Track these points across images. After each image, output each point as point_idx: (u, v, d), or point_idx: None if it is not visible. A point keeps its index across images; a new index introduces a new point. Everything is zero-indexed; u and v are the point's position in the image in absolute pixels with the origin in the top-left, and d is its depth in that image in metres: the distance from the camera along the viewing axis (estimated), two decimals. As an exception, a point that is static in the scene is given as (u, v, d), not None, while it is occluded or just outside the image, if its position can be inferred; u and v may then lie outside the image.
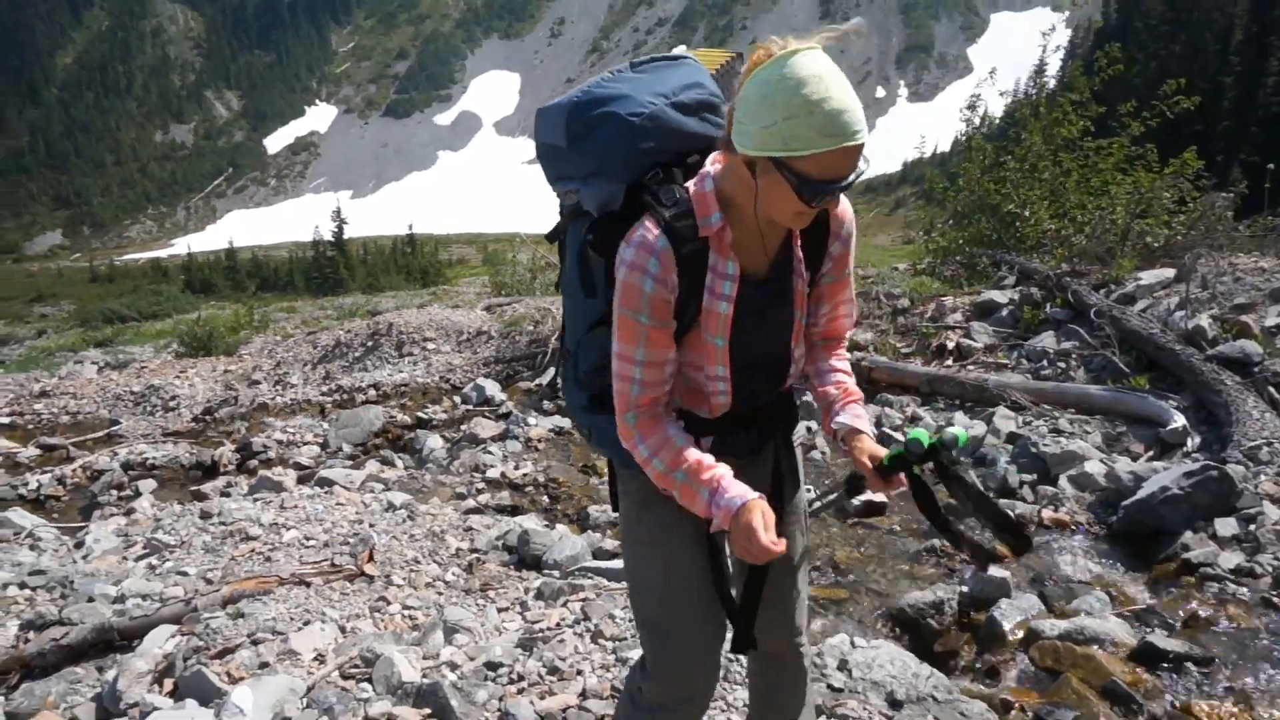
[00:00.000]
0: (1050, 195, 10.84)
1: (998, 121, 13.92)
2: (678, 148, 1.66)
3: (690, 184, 1.60)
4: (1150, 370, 6.08)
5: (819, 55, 1.44)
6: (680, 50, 1.93)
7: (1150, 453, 5.20)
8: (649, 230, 1.57)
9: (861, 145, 1.43)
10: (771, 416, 1.84)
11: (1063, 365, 6.65)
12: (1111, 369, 6.25)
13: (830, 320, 1.85)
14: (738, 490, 1.57)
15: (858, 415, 1.77)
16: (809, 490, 1.96)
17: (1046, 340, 7.11)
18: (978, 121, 13.28)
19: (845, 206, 1.72)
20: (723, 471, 1.60)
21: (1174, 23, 39.77)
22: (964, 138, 14.46)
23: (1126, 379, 5.99)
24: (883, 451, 1.67)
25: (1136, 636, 3.32)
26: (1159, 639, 3.23)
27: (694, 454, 1.62)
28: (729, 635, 1.80)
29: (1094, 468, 4.91)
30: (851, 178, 1.46)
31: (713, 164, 1.63)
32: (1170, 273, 7.60)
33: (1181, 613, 3.52)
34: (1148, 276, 7.63)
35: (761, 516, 1.53)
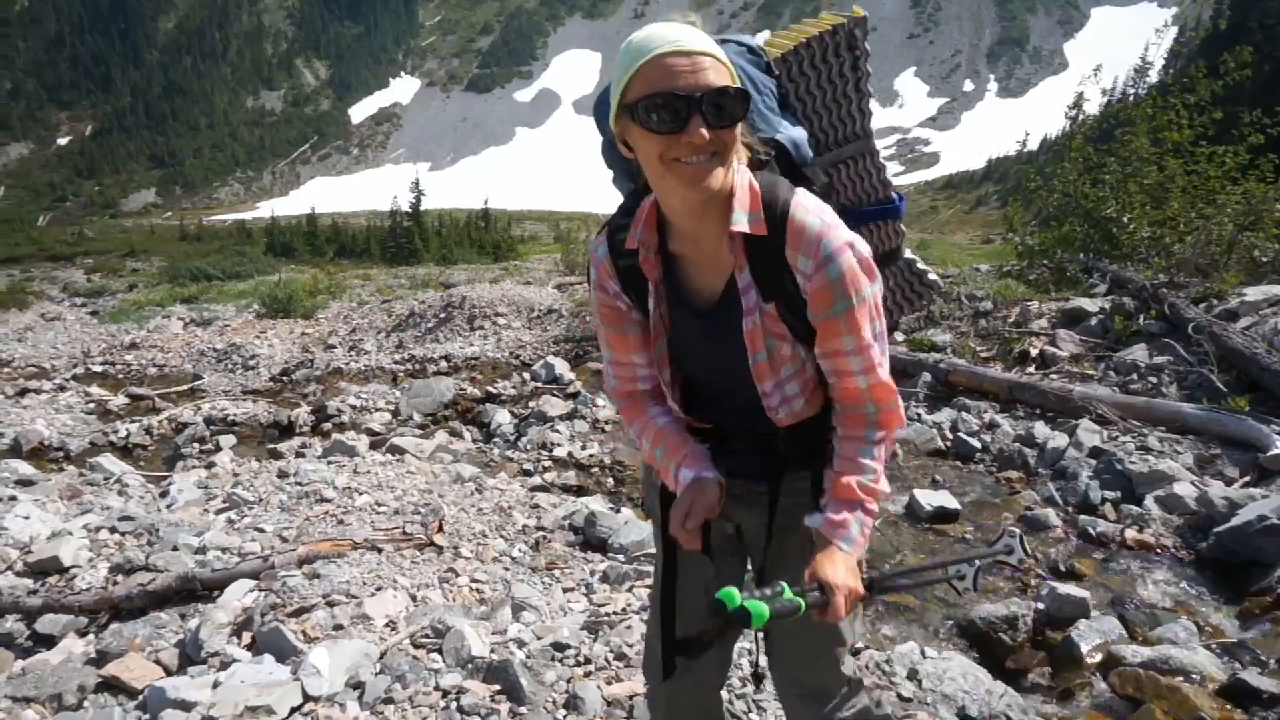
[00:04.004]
0: (1152, 201, 10.35)
1: (1094, 121, 13.35)
2: None
3: (650, 196, 1.50)
4: (1251, 391, 5.76)
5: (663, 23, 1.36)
6: (764, 35, 1.80)
7: (1247, 478, 4.94)
8: (598, 238, 1.60)
9: (686, 55, 1.30)
10: (773, 448, 1.63)
11: (1154, 380, 6.36)
12: (1208, 387, 5.96)
13: (834, 373, 1.52)
14: (697, 468, 1.55)
15: (831, 520, 1.51)
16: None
17: (1138, 353, 6.81)
18: (1080, 119, 12.75)
19: (807, 234, 1.42)
20: (693, 450, 1.58)
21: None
22: (1064, 136, 13.89)
23: (1224, 399, 5.69)
24: (837, 571, 1.44)
25: (1226, 671, 3.16)
26: (1251, 676, 3.06)
27: (673, 433, 1.61)
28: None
29: (1184, 489, 4.69)
30: (692, 93, 1.29)
31: None
32: (1279, 290, 7.19)
33: (1276, 650, 3.33)
34: (1253, 293, 7.23)
35: (690, 500, 1.49)
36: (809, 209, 1.43)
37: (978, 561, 1.60)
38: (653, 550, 4.06)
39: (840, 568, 1.44)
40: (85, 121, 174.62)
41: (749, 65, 1.65)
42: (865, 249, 1.45)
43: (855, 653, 3.11)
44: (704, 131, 1.31)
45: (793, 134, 1.64)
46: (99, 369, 11.54)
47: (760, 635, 1.75)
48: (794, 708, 1.80)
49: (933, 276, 2.03)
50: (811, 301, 1.45)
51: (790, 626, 1.63)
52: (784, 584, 1.37)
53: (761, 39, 1.79)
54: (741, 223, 1.41)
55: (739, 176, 1.44)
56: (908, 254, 1.99)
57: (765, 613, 1.30)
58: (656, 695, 1.88)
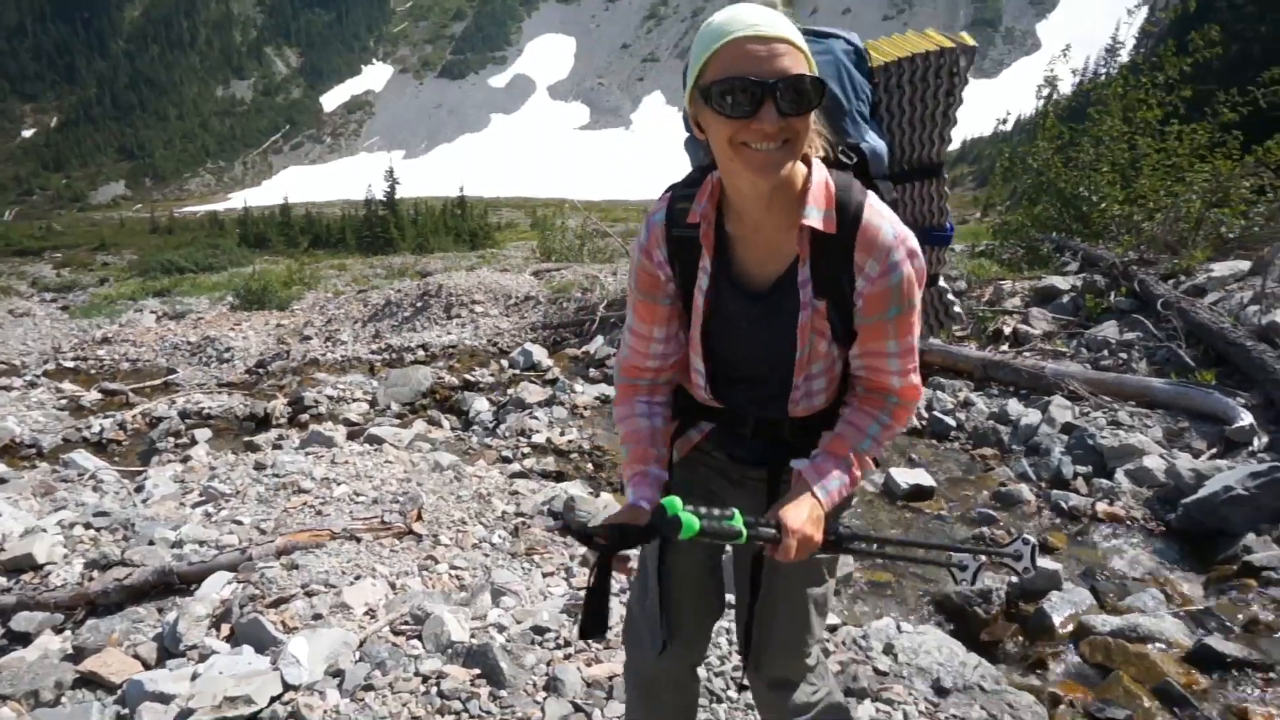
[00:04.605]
0: (1122, 179, 10.46)
1: (1065, 101, 13.44)
2: None
3: (716, 171, 1.50)
4: (1218, 366, 5.87)
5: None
6: (854, 38, 1.73)
7: (1214, 450, 5.04)
8: (659, 202, 1.58)
9: (763, 40, 1.30)
10: (779, 435, 1.66)
11: (1124, 356, 6.46)
12: (1176, 362, 6.06)
13: (868, 369, 1.57)
14: (638, 494, 1.60)
15: (817, 468, 1.54)
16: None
17: (1109, 330, 6.90)
18: (1053, 98, 12.83)
19: (880, 239, 1.44)
20: (644, 470, 1.62)
21: (1261, 3, 37.93)
22: (1037, 116, 13.97)
23: (1192, 373, 5.80)
24: (801, 514, 1.47)
25: (1193, 638, 3.23)
26: (1216, 641, 3.14)
27: (644, 439, 1.64)
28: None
29: (1153, 463, 4.78)
30: (766, 79, 1.29)
31: None
32: (1245, 265, 7.31)
33: (1241, 616, 3.41)
34: (1220, 268, 7.35)
35: (623, 520, 1.54)
36: (882, 215, 1.45)
37: (983, 558, 1.63)
38: (632, 533, 4.10)
39: (805, 513, 1.47)
40: (50, 113, 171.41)
41: (851, 65, 1.64)
42: (923, 261, 1.49)
43: (832, 629, 3.16)
44: (775, 118, 1.30)
45: (876, 144, 1.65)
46: (70, 364, 11.38)
47: (743, 625, 1.78)
48: (762, 695, 1.85)
49: (958, 309, 2.10)
50: (866, 304, 1.48)
51: (768, 619, 1.72)
52: (736, 510, 1.40)
53: (853, 37, 1.76)
54: (814, 218, 1.42)
55: (816, 172, 1.45)
56: (941, 282, 2.05)
57: (695, 527, 1.34)
58: (640, 667, 1.90)
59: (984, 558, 1.64)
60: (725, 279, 1.55)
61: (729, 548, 1.79)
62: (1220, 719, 2.81)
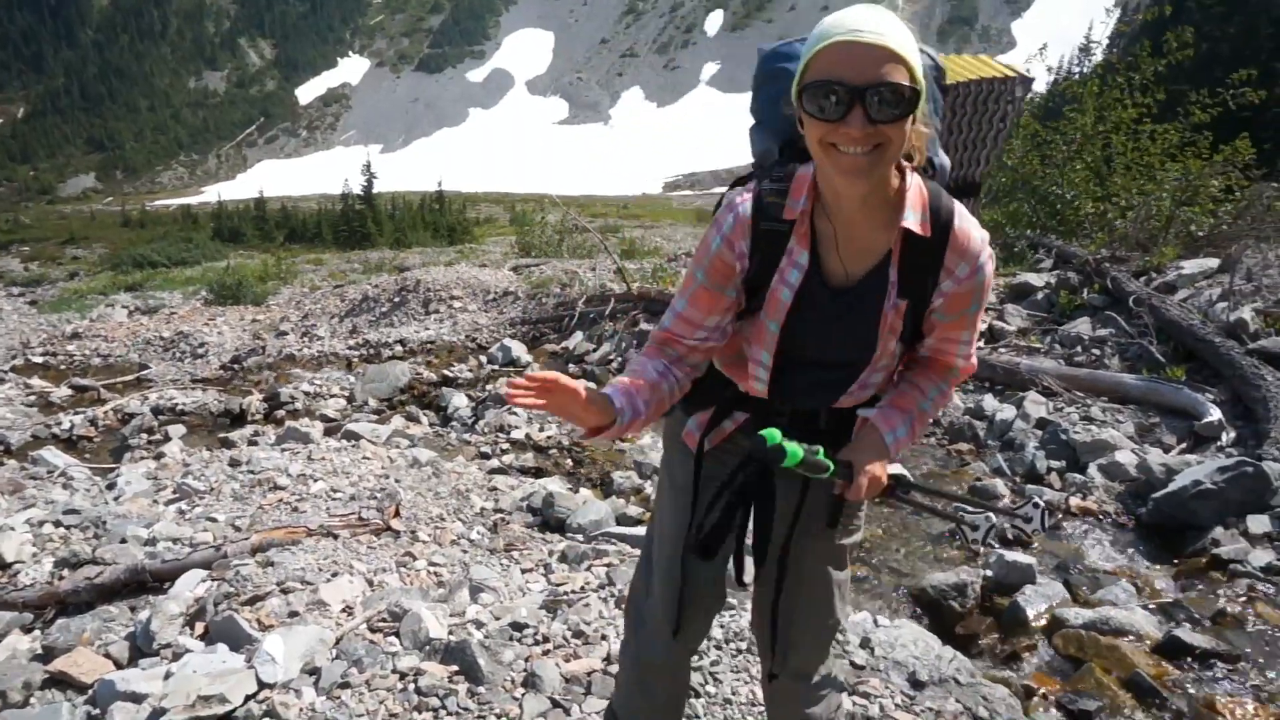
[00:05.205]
0: (1095, 177, 10.59)
1: (1041, 100, 13.59)
2: None
3: (805, 166, 1.52)
4: (1188, 361, 5.97)
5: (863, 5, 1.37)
6: (936, 55, 1.72)
7: (1183, 445, 5.12)
8: (742, 194, 1.56)
9: (864, 45, 1.30)
10: (817, 428, 1.68)
11: (1097, 352, 6.55)
12: (1148, 359, 6.15)
13: (938, 351, 1.67)
14: (613, 389, 1.57)
15: (885, 418, 1.63)
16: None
17: (1082, 326, 6.99)
18: (1028, 97, 12.95)
19: (971, 243, 1.51)
20: (626, 386, 1.58)
21: (1229, 4, 38.47)
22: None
23: (1163, 369, 5.89)
24: (871, 456, 1.57)
25: (1162, 630, 3.29)
26: (1185, 633, 3.20)
27: (638, 377, 1.60)
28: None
29: (1125, 457, 4.85)
30: (856, 84, 1.29)
31: None
32: (1214, 263, 7.43)
33: (1209, 608, 3.48)
34: (1190, 266, 7.47)
35: (574, 385, 1.50)
36: (970, 220, 1.53)
37: (994, 518, 1.71)
38: (612, 529, 4.10)
39: (874, 455, 1.58)
40: (17, 103, 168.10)
41: (932, 80, 1.64)
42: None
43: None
44: (862, 123, 1.32)
45: (944, 159, 1.69)
46: (40, 360, 11.20)
47: (768, 617, 1.79)
48: (784, 688, 1.88)
49: None
50: (949, 302, 1.56)
51: (794, 607, 1.77)
52: (820, 447, 1.48)
53: (929, 50, 1.77)
54: (912, 221, 1.47)
55: (910, 177, 1.49)
56: None
57: (799, 455, 1.44)
58: (640, 652, 1.90)
59: (994, 518, 1.72)
60: (812, 274, 1.57)
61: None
62: (1189, 709, 2.86)
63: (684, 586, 1.77)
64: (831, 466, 1.49)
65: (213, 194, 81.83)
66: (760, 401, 1.71)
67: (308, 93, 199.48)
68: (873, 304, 1.56)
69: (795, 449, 1.43)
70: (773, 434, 1.43)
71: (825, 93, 1.32)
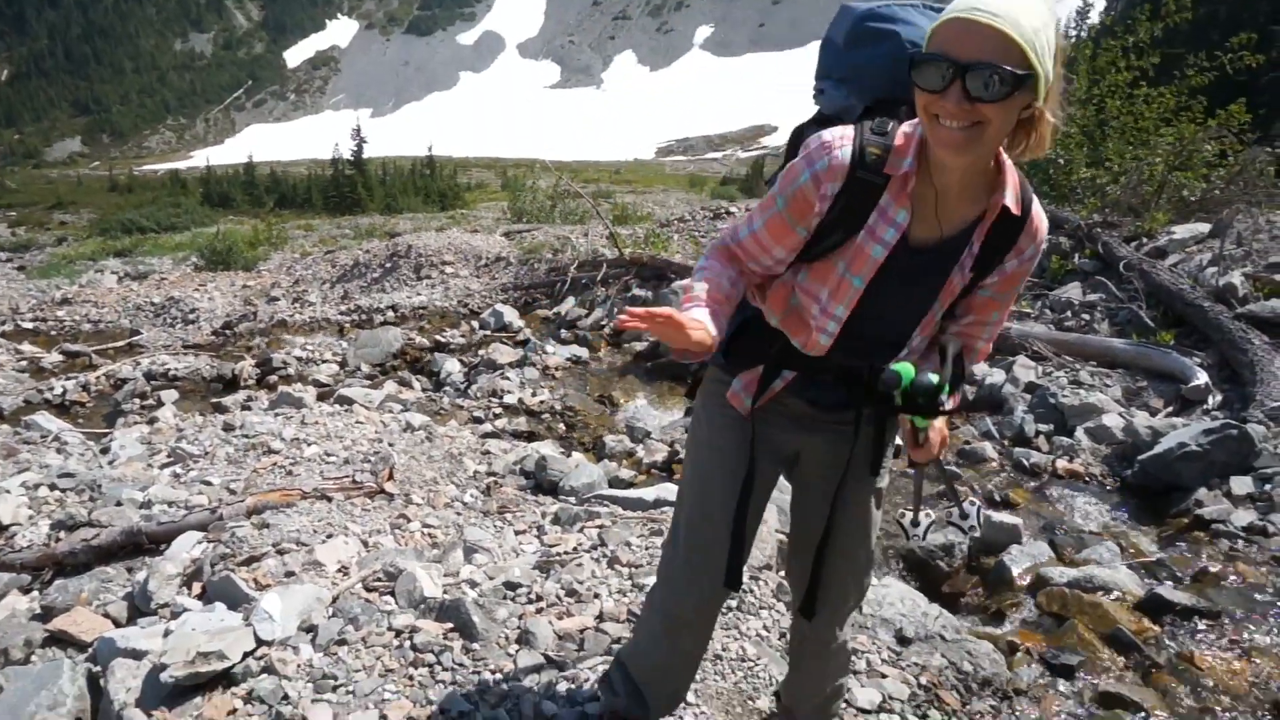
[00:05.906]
0: (1090, 142, 10.54)
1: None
2: None
3: (907, 125, 1.54)
4: (1177, 326, 6.01)
5: None
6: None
7: (1170, 408, 5.18)
8: (842, 136, 1.54)
9: (978, 24, 1.31)
10: (865, 384, 1.69)
11: (1087, 317, 6.58)
12: (1137, 323, 6.19)
13: (965, 332, 1.76)
14: (700, 311, 1.57)
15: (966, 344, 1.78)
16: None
17: (1072, 291, 7.02)
18: None
19: (1042, 229, 1.61)
20: (700, 293, 1.60)
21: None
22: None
23: (1152, 334, 5.93)
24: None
25: (1144, 587, 3.35)
26: (1167, 591, 3.26)
27: (719, 287, 1.63)
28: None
29: (1112, 421, 4.90)
30: (959, 60, 1.31)
31: None
32: (1205, 228, 7.44)
33: (1191, 567, 3.55)
34: (1181, 231, 7.48)
35: (681, 319, 1.50)
36: (1041, 206, 1.61)
37: (982, 506, 1.83)
38: (604, 492, 4.14)
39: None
40: (0, 66, 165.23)
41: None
42: None
43: None
44: (959, 99, 1.34)
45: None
46: (29, 326, 11.14)
47: (809, 566, 1.87)
48: (820, 633, 2.00)
49: None
50: (1005, 280, 1.65)
51: (836, 558, 1.85)
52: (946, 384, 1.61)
53: None
54: (1010, 198, 1.53)
55: (1005, 157, 1.53)
56: None
57: (911, 373, 1.57)
58: (670, 606, 1.94)
59: (934, 515, 1.86)
60: (906, 232, 1.59)
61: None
62: (1169, 663, 2.93)
63: (735, 538, 1.79)
64: (945, 383, 1.59)
65: (201, 159, 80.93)
66: (807, 358, 1.72)
67: (296, 55, 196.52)
68: (942, 270, 1.60)
69: (908, 368, 1.57)
70: (906, 369, 1.57)
71: (931, 64, 1.36)
